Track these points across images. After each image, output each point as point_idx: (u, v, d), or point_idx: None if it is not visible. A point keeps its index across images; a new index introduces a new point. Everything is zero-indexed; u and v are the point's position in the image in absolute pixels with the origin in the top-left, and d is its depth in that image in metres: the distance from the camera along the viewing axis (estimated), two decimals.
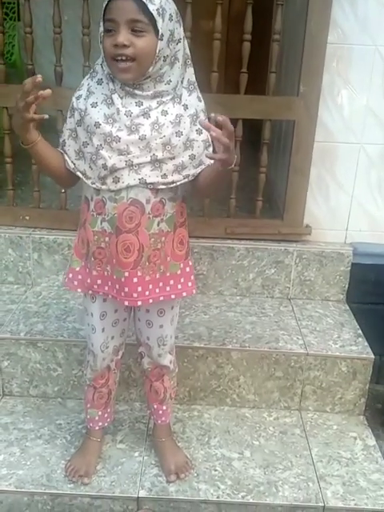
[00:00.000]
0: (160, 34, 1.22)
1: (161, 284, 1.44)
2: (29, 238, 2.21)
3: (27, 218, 2.24)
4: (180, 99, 1.32)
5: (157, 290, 1.43)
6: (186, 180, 1.36)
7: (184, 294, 1.49)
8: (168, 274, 1.45)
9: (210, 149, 1.37)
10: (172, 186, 1.35)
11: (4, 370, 1.92)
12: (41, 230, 2.23)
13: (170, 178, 1.34)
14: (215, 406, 1.96)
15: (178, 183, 1.35)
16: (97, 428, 1.67)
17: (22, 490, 1.58)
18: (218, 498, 1.58)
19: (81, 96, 1.34)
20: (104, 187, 1.33)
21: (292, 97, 2.13)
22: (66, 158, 1.38)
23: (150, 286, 1.41)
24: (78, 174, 1.37)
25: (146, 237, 1.37)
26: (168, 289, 1.45)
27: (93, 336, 1.53)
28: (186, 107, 1.33)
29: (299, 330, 2.05)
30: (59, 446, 1.73)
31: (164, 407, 1.66)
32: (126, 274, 1.38)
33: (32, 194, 2.27)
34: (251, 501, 1.58)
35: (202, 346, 1.91)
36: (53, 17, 2.04)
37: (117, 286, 1.41)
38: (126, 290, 1.39)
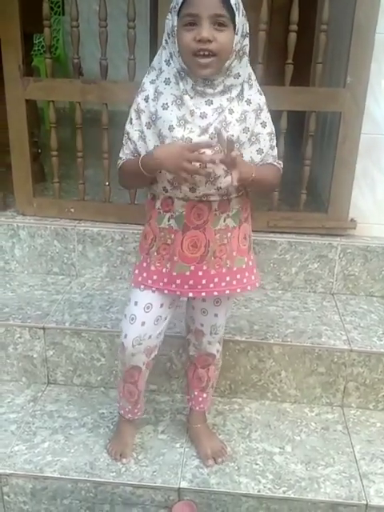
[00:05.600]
0: (237, 28, 1.23)
1: (228, 278, 1.44)
2: (73, 229, 2.24)
3: (72, 210, 2.29)
4: (243, 95, 1.32)
5: (223, 284, 1.44)
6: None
7: (249, 287, 1.49)
8: (235, 269, 1.45)
9: (274, 141, 1.40)
10: (242, 189, 1.38)
11: (49, 359, 1.97)
12: (85, 222, 2.27)
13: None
14: (256, 399, 1.95)
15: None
16: (127, 417, 1.68)
17: (66, 476, 1.61)
18: (259, 491, 1.58)
19: (148, 98, 1.32)
20: (180, 194, 1.34)
21: (338, 88, 2.09)
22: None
23: (216, 280, 1.42)
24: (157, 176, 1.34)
25: (212, 233, 1.38)
26: (234, 283, 1.45)
27: (130, 326, 1.47)
28: (249, 102, 1.33)
29: (343, 325, 2.02)
30: (102, 434, 1.76)
31: (204, 395, 1.69)
32: (192, 267, 1.40)
33: (77, 186, 2.31)
34: (293, 496, 1.57)
35: (243, 339, 1.91)
36: (99, 10, 2.06)
37: (177, 281, 1.41)
38: (191, 282, 1.41)
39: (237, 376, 1.93)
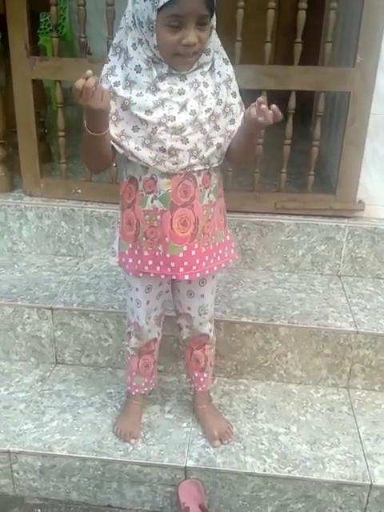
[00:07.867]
0: (212, 18, 1.23)
1: (214, 254, 1.46)
2: (81, 211, 2.24)
3: (79, 191, 2.28)
4: (214, 67, 1.30)
5: (211, 261, 1.46)
6: (228, 139, 1.36)
7: (230, 261, 1.53)
8: (217, 244, 1.48)
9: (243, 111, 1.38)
10: (221, 157, 1.38)
11: (57, 339, 1.99)
12: (92, 203, 2.26)
13: (221, 149, 1.36)
14: (262, 380, 1.97)
15: (224, 147, 1.36)
16: (142, 393, 1.72)
17: (75, 455, 1.64)
18: (264, 471, 1.60)
19: (119, 83, 1.26)
20: (164, 170, 1.32)
21: (348, 67, 2.06)
22: (113, 143, 1.31)
23: (206, 258, 1.44)
24: (132, 157, 1.32)
25: (200, 209, 1.38)
26: (219, 258, 1.48)
27: (138, 310, 1.56)
28: (219, 74, 1.31)
29: (349, 307, 2.02)
30: (110, 414, 1.78)
31: (205, 375, 1.71)
32: (185, 248, 1.39)
33: (84, 167, 2.30)
34: (297, 475, 1.59)
35: (249, 321, 1.91)
36: None
37: (172, 264, 1.40)
38: (186, 263, 1.40)
39: (243, 357, 1.95)
